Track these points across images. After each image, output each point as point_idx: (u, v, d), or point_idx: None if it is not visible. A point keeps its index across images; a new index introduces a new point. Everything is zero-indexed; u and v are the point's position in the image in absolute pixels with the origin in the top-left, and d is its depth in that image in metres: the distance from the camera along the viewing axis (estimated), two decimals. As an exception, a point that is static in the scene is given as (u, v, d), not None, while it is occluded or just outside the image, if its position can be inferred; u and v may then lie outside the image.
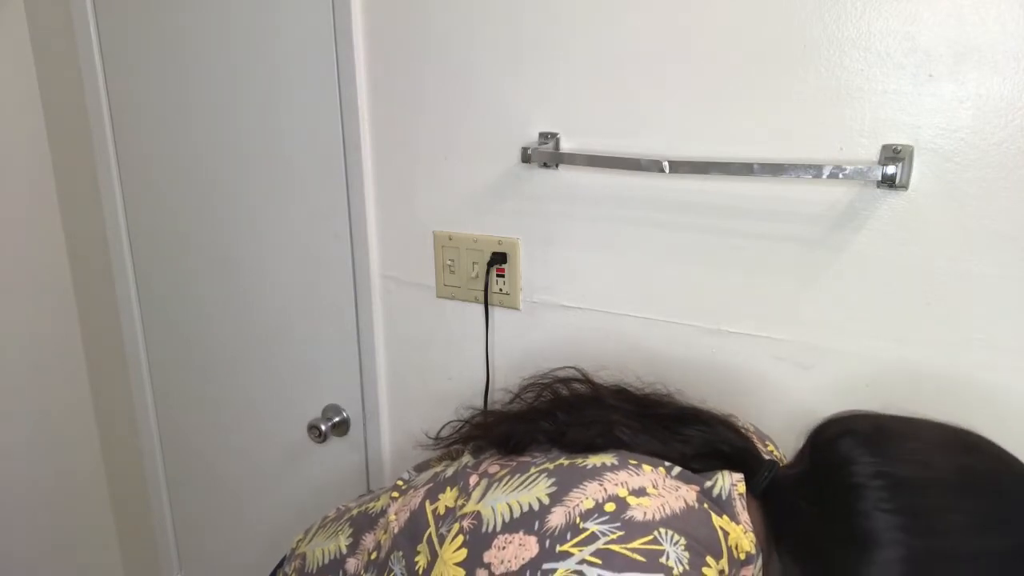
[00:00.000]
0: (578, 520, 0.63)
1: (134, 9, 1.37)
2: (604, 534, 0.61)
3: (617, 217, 1.04)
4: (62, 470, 1.64)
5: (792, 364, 0.97)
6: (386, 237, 1.24)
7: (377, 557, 0.80)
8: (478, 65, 1.08)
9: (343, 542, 0.85)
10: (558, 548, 0.61)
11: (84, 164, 1.52)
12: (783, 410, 0.99)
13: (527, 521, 0.65)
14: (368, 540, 0.83)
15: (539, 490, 0.67)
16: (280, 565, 0.97)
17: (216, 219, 1.41)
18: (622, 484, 0.66)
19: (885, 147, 0.86)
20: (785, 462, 0.86)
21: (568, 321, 1.11)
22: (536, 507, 0.66)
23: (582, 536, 0.62)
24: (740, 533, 0.66)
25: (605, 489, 0.65)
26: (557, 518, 0.64)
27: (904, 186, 0.85)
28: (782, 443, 0.96)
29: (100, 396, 1.67)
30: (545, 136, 1.04)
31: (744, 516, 0.68)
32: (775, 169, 0.89)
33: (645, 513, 0.63)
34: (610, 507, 0.63)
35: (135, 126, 1.45)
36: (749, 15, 0.90)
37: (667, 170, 0.94)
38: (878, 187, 0.87)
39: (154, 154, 1.44)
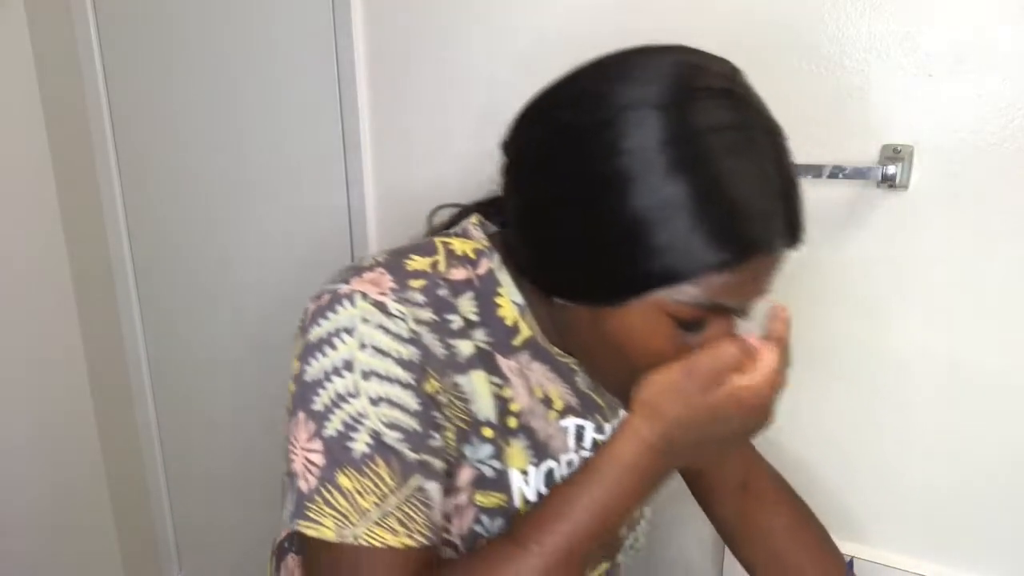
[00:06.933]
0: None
1: (134, 9, 1.37)
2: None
3: (617, 217, 1.04)
4: (62, 470, 1.64)
5: (792, 364, 0.97)
6: (386, 237, 1.24)
7: None
8: (478, 64, 1.08)
9: None
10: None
11: (84, 164, 1.51)
12: (783, 411, 0.99)
13: None
14: None
15: None
16: None
17: (216, 219, 1.41)
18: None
19: (885, 147, 0.85)
20: None
21: (568, 321, 1.11)
22: None
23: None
24: (461, 243, 0.64)
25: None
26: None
27: (904, 186, 0.85)
28: (780, 446, 0.96)
29: (100, 396, 1.67)
30: (545, 136, 1.04)
31: (477, 234, 0.65)
32: (775, 169, 0.89)
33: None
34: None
35: (135, 126, 1.45)
36: (749, 15, 0.90)
37: (667, 170, 0.94)
38: (878, 187, 0.87)
39: (154, 153, 1.44)
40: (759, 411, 0.55)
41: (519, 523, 0.57)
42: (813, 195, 0.91)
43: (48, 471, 1.61)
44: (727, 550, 1.03)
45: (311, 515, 0.55)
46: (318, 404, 0.56)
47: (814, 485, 0.87)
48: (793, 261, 0.95)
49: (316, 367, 0.57)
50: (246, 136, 1.32)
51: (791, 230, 0.55)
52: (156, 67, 1.38)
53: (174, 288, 1.51)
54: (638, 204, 0.50)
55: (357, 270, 0.60)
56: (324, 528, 0.54)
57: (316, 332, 0.57)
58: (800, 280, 0.95)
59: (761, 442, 0.88)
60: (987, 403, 0.88)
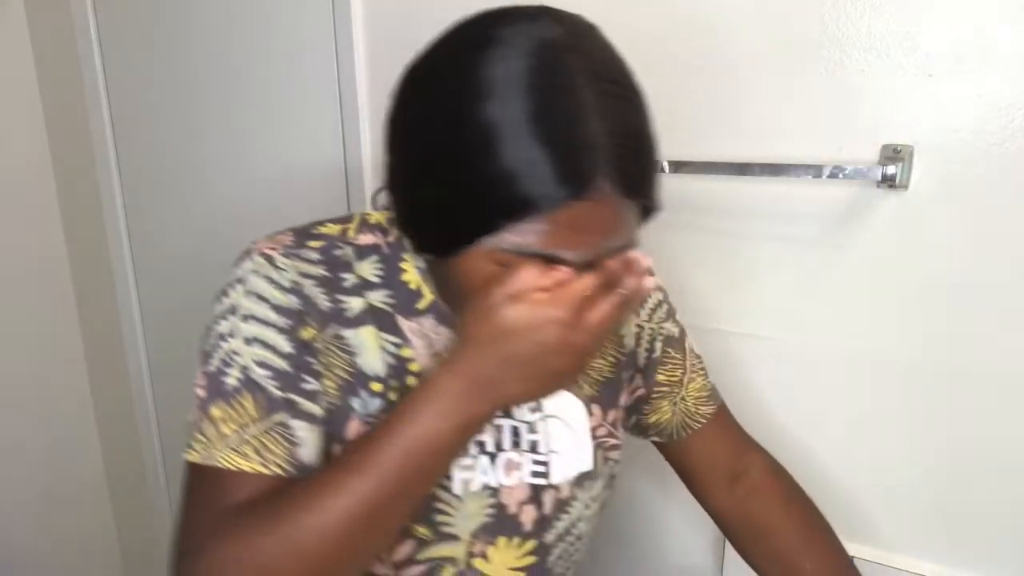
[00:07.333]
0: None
1: (134, 9, 1.37)
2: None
3: (617, 217, 1.04)
4: (62, 471, 1.64)
5: (792, 364, 0.97)
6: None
7: None
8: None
9: None
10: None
11: (84, 164, 1.52)
12: (783, 411, 0.99)
13: None
14: None
15: None
16: None
17: (216, 219, 1.41)
18: None
19: (885, 147, 0.85)
20: None
21: (568, 321, 1.11)
22: None
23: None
24: (379, 214, 0.69)
25: None
26: None
27: (904, 186, 0.85)
28: (782, 445, 0.96)
29: (100, 396, 1.67)
30: (545, 136, 1.04)
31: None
32: (775, 169, 0.89)
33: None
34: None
35: (135, 126, 1.45)
36: (749, 15, 0.90)
37: (667, 170, 0.94)
38: (878, 187, 0.87)
39: (154, 153, 1.44)
40: (556, 329, 0.53)
41: (348, 450, 0.60)
42: (813, 195, 0.92)
43: (48, 471, 1.61)
44: (727, 551, 1.03)
45: (191, 442, 0.61)
46: (207, 344, 0.62)
47: (815, 484, 0.87)
48: (794, 261, 0.95)
49: (214, 314, 0.63)
50: (247, 136, 1.32)
51: (624, 181, 0.54)
52: (156, 67, 1.38)
53: (174, 288, 1.51)
54: (477, 124, 0.52)
55: (273, 234, 0.66)
56: (194, 452, 0.61)
57: (223, 284, 0.64)
58: (801, 280, 0.95)
59: (765, 440, 0.88)
60: (987, 403, 0.88)
